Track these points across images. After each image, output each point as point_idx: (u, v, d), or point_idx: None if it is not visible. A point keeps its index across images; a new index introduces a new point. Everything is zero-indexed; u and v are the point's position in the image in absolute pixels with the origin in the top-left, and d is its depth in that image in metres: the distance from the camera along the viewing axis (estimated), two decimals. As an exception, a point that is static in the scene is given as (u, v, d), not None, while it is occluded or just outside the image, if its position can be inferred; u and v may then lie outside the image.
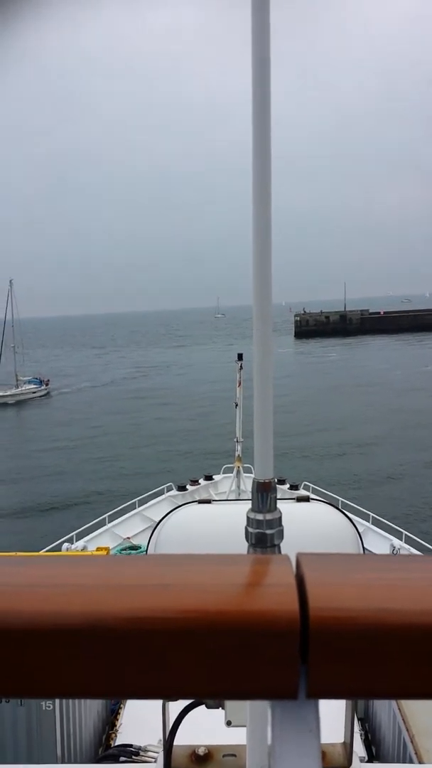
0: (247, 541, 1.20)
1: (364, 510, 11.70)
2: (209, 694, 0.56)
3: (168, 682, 0.53)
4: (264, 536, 1.18)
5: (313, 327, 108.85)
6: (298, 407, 40.79)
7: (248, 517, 1.20)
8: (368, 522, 11.30)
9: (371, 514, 11.65)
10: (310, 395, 47.68)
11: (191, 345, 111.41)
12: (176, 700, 1.69)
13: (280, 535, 1.19)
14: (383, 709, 5.89)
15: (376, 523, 11.41)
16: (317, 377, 59.11)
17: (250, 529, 1.20)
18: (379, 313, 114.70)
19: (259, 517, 1.19)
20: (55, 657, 0.53)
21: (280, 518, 1.20)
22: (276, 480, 1.25)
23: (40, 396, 59.60)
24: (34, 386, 60.36)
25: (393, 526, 11.31)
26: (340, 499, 12.08)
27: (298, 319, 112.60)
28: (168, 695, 0.56)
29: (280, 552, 1.13)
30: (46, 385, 61.25)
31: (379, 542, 10.59)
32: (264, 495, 1.21)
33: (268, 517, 1.19)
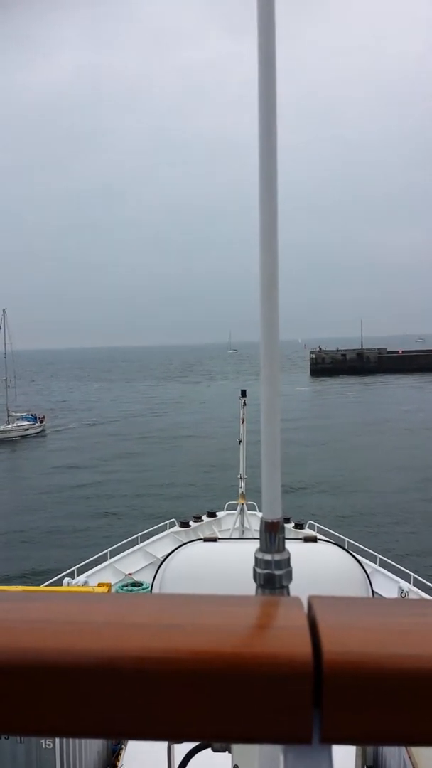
0: (256, 581, 1.21)
1: (371, 551, 11.70)
2: (220, 737, 0.55)
3: (177, 724, 0.54)
4: (272, 577, 1.19)
5: (329, 365, 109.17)
6: (320, 459, 38.32)
7: (256, 558, 1.21)
8: (375, 563, 11.30)
9: (378, 555, 11.67)
10: (334, 441, 45.38)
11: (205, 381, 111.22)
12: (184, 742, 1.75)
13: (289, 576, 1.20)
14: (393, 755, 5.92)
15: (383, 564, 11.42)
16: (339, 419, 56.86)
17: (259, 570, 1.20)
18: (397, 352, 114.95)
19: (267, 557, 1.20)
20: (61, 695, 0.53)
21: (288, 559, 1.21)
22: (283, 520, 1.28)
23: (35, 433, 56.56)
24: (28, 423, 57.14)
25: (401, 568, 11.33)
26: (346, 539, 12.13)
27: (314, 356, 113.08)
28: (177, 737, 0.55)
29: (288, 593, 1.18)
30: (41, 421, 58.16)
31: (387, 584, 10.60)
32: (272, 535, 1.22)
33: (277, 557, 1.20)
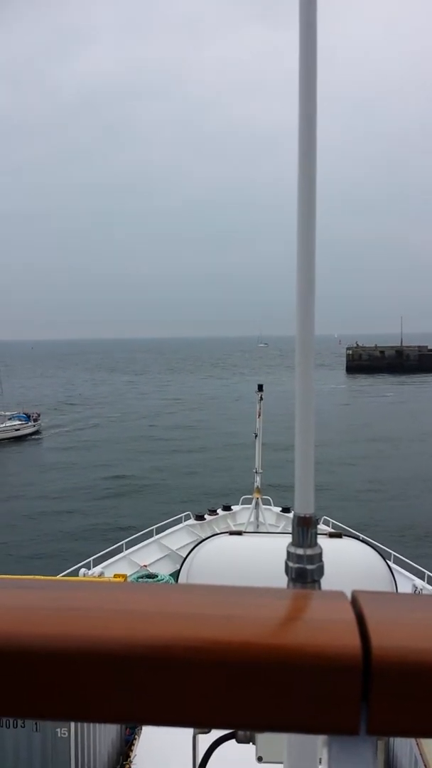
0: (287, 575, 1.24)
1: (386, 548, 11.96)
2: (266, 727, 0.59)
3: (231, 713, 0.57)
4: (305, 571, 1.23)
5: (366, 362, 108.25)
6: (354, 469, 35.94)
7: (288, 552, 1.25)
8: (390, 560, 11.67)
9: (393, 552, 11.92)
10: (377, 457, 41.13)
11: (235, 376, 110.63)
12: (239, 730, 1.79)
13: (321, 570, 1.23)
14: (401, 746, 6.15)
15: (397, 561, 11.65)
16: (379, 424, 52.94)
17: (291, 564, 1.24)
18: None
19: (300, 551, 1.24)
20: (103, 681, 0.57)
21: (320, 554, 1.25)
22: (315, 515, 1.33)
23: (28, 434, 52.14)
24: (19, 422, 52.29)
25: (415, 565, 11.57)
26: (361, 535, 12.43)
27: (351, 353, 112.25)
28: (228, 726, 0.59)
29: (320, 588, 1.22)
30: (35, 420, 53.54)
31: (402, 581, 10.82)
32: (304, 530, 1.26)
33: (309, 552, 1.24)
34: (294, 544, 1.25)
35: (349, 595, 0.66)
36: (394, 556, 11.82)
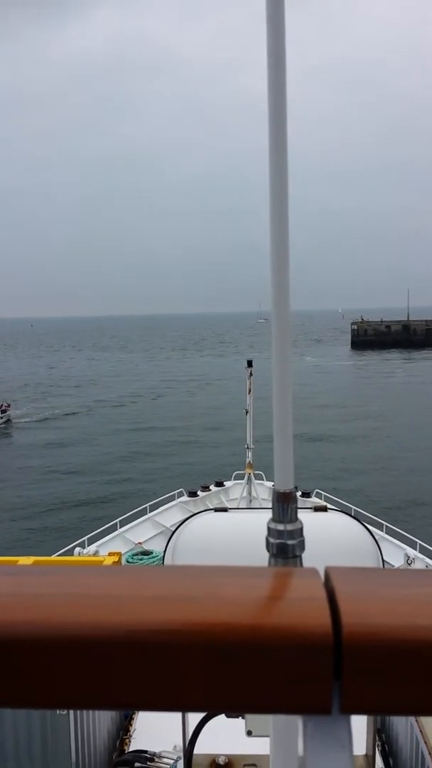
0: (268, 551, 1.27)
1: (377, 519, 12.24)
2: (239, 708, 0.59)
3: (196, 695, 0.58)
4: (285, 547, 1.25)
5: (371, 337, 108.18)
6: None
7: (269, 527, 1.27)
8: (382, 531, 11.82)
9: (384, 523, 12.21)
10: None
11: (230, 354, 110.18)
12: (204, 712, 1.86)
13: (302, 545, 1.26)
14: (400, 721, 6.36)
15: (389, 532, 11.95)
16: (393, 408, 48.04)
17: (272, 540, 1.27)
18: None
19: (280, 527, 1.26)
20: (81, 668, 0.57)
21: (301, 529, 1.27)
22: (295, 490, 1.36)
23: None
24: None
25: (407, 535, 11.88)
26: (353, 507, 12.73)
27: (356, 327, 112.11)
28: (196, 708, 0.60)
29: (301, 563, 1.25)
30: (3, 411, 48.61)
31: (393, 551, 11.00)
32: (284, 505, 1.28)
33: (289, 527, 1.26)
34: (274, 519, 1.27)
35: (322, 572, 0.66)
36: (386, 526, 12.13)
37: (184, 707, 0.60)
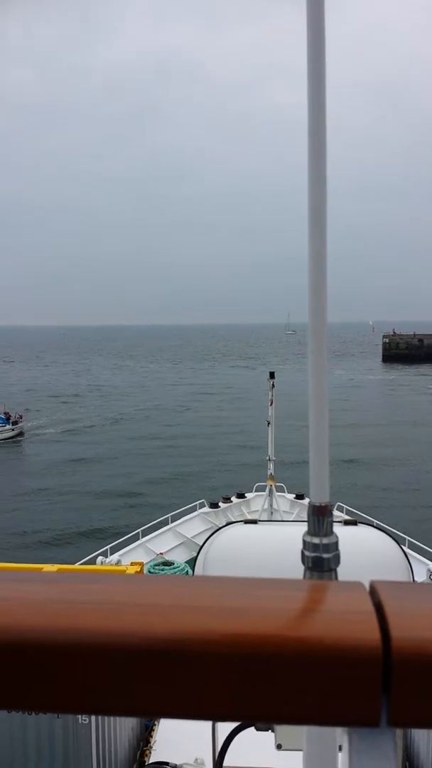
0: (304, 564, 1.28)
1: (400, 534, 12.25)
2: (287, 720, 0.61)
3: (249, 706, 0.59)
4: (321, 560, 1.26)
5: (403, 351, 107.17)
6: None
7: (304, 541, 1.29)
8: (404, 546, 12.04)
9: (407, 537, 12.26)
10: None
11: (259, 366, 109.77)
12: (254, 724, 1.86)
13: (337, 559, 1.28)
14: (421, 735, 6.39)
15: (412, 547, 12.00)
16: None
17: (307, 553, 1.28)
18: None
19: (316, 540, 1.28)
20: (122, 675, 0.59)
21: (336, 543, 1.29)
22: (330, 504, 1.37)
23: (5, 438, 46.20)
24: None
25: (430, 549, 11.96)
26: (374, 520, 12.78)
27: (387, 341, 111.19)
28: (250, 719, 0.61)
29: (336, 576, 1.27)
30: (14, 423, 47.45)
31: (417, 567, 11.14)
32: (320, 519, 1.30)
33: (325, 541, 1.28)
34: (310, 533, 1.29)
35: (367, 585, 0.67)
36: (409, 541, 12.17)
37: (222, 717, 0.61)
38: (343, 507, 14.28)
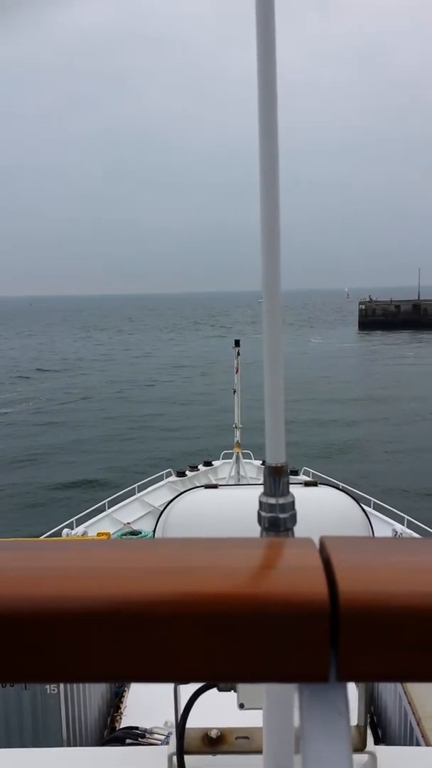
0: (260, 525, 1.32)
1: (365, 495, 12.63)
2: (237, 678, 0.62)
3: (192, 666, 0.59)
4: (278, 520, 1.29)
5: (380, 317, 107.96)
6: None
7: (261, 502, 1.32)
8: (370, 506, 12.20)
9: (372, 498, 12.57)
10: None
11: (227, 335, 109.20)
12: (200, 683, 1.94)
13: (294, 519, 1.31)
14: (388, 692, 6.55)
15: (377, 507, 12.32)
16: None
17: (263, 513, 1.31)
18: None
19: (272, 501, 1.31)
20: (74, 641, 0.59)
21: (293, 502, 1.32)
22: (287, 464, 1.40)
23: None
24: None
25: (395, 510, 12.22)
26: (341, 484, 13.05)
27: (363, 307, 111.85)
28: (193, 679, 0.63)
29: (293, 536, 1.31)
30: None
31: (382, 526, 11.31)
32: (276, 479, 1.33)
33: (281, 501, 1.30)
34: (266, 493, 1.32)
35: (317, 541, 0.68)
36: (374, 502, 12.45)
37: (181, 677, 0.62)
38: (309, 471, 14.61)
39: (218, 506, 6.36)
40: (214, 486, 7.23)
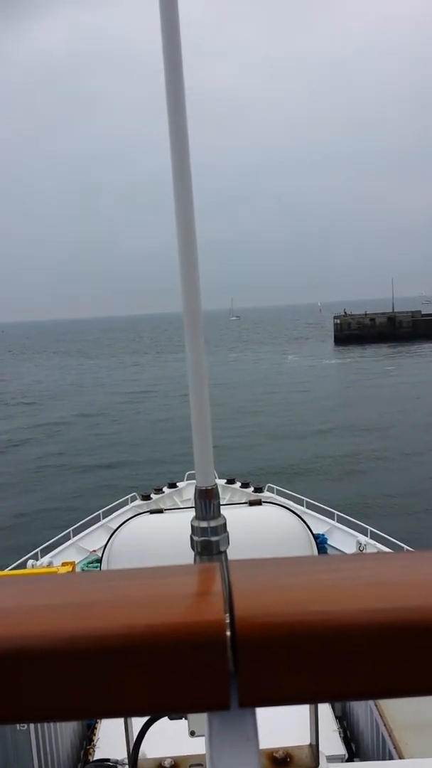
0: (193, 549, 1.33)
1: (328, 509, 12.87)
2: (150, 711, 0.63)
3: (110, 701, 0.60)
4: (209, 543, 1.31)
5: (355, 331, 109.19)
6: None
7: (192, 526, 1.33)
8: (333, 520, 12.45)
9: (336, 512, 12.76)
10: None
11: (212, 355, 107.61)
12: (112, 718, 2.11)
13: (226, 541, 1.33)
14: (360, 706, 6.73)
15: (341, 521, 12.52)
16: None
17: (196, 538, 1.33)
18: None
19: (204, 524, 1.33)
20: (36, 679, 0.58)
21: (224, 524, 1.33)
22: (217, 486, 1.39)
23: None
24: None
25: (358, 522, 12.41)
26: (305, 499, 13.15)
27: (338, 322, 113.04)
28: (111, 714, 0.63)
29: (226, 558, 1.32)
30: None
31: (346, 539, 11.62)
32: (207, 502, 1.34)
33: (213, 524, 1.32)
34: (198, 517, 1.34)
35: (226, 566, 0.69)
36: (338, 515, 12.63)
37: (102, 713, 0.62)
38: (273, 488, 14.63)
39: (161, 531, 6.50)
40: (159, 511, 7.42)
